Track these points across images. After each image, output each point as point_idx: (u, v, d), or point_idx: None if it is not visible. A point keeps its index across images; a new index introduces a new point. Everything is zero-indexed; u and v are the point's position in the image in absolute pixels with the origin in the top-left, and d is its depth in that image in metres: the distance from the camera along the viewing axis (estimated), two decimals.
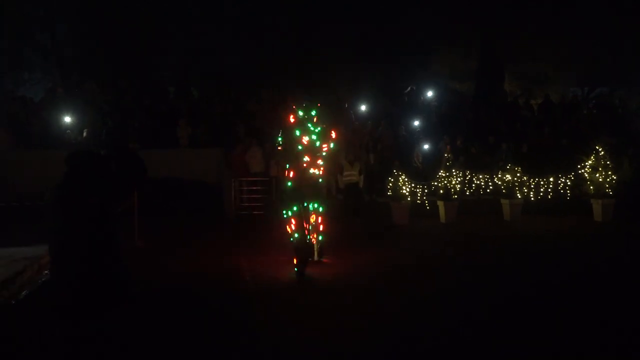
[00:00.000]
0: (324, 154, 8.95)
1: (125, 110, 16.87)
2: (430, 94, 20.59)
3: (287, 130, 9.01)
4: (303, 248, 8.19)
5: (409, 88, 21.38)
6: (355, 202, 13.92)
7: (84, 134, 15.65)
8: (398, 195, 13.53)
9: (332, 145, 9.10)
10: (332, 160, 14.57)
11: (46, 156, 13.62)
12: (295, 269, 7.99)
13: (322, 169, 8.95)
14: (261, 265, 8.76)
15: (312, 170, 8.79)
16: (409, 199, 13.64)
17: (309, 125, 8.83)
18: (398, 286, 7.56)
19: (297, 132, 8.78)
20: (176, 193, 14.06)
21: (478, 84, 22.34)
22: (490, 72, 21.87)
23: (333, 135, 9.15)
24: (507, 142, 15.97)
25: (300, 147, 8.79)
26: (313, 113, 8.87)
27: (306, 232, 8.60)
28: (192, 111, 17.14)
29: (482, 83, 21.87)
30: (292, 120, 8.85)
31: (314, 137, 8.81)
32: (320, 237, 8.91)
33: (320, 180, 8.97)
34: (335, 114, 17.55)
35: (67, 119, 16.12)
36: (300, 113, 8.82)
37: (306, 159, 8.76)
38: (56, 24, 21.99)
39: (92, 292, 4.46)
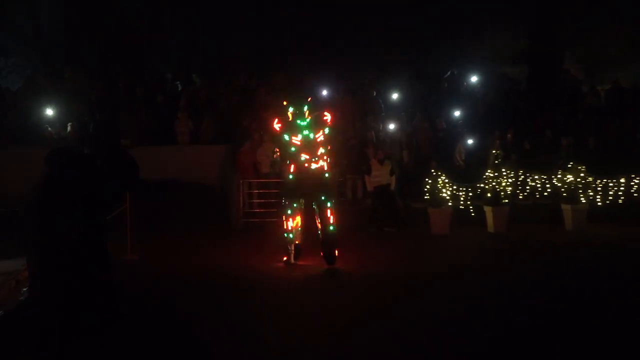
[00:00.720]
0: (321, 148, 10.11)
1: (116, 101, 17.05)
2: (474, 79, 20.43)
3: (277, 136, 10.57)
4: (295, 248, 10.13)
5: (449, 72, 21.24)
6: (387, 208, 13.87)
7: (68, 128, 15.86)
8: (437, 200, 13.44)
9: (327, 130, 10.29)
10: (356, 157, 14.61)
11: (24, 155, 13.80)
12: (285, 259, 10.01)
13: (326, 162, 10.19)
14: (269, 281, 8.80)
15: (314, 166, 10.05)
16: (450, 203, 13.54)
17: (299, 121, 10.06)
18: (414, 304, 7.55)
19: (286, 137, 10.16)
20: (174, 197, 14.12)
21: (532, 67, 22.09)
22: (547, 52, 21.62)
23: (328, 118, 10.28)
24: (568, 136, 15.76)
25: (293, 149, 10.09)
26: (305, 108, 10.15)
27: (318, 227, 10.00)
28: (194, 102, 17.26)
29: (538, 66, 21.62)
30: (278, 126, 10.29)
31: (305, 132, 10.02)
32: (331, 228, 9.93)
33: (326, 175, 10.19)
34: (361, 103, 17.56)
35: (49, 112, 16.35)
36: (291, 109, 10.16)
37: (304, 157, 10.03)
38: (38, 3, 22.35)
39: (77, 309, 4.49)
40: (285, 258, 10.15)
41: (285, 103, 10.47)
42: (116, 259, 7.02)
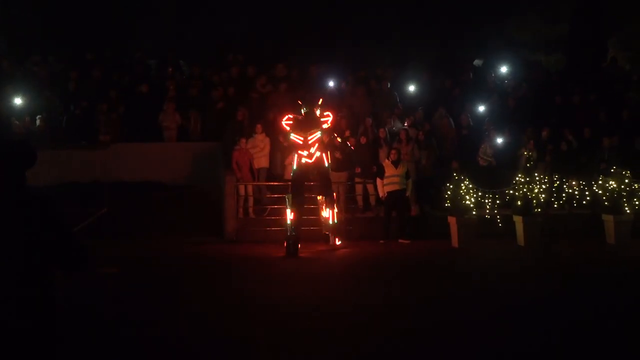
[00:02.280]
0: (318, 145, 12.78)
1: (93, 91, 17.09)
2: (504, 69, 20.49)
3: (285, 133, 13.55)
4: (293, 238, 12.40)
5: (476, 61, 21.29)
6: (401, 217, 13.93)
7: (38, 122, 15.93)
8: (459, 208, 13.50)
9: (325, 129, 13.20)
10: (366, 158, 14.70)
11: None
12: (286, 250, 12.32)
13: (314, 156, 12.73)
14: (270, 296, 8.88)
15: (304, 159, 12.71)
16: (474, 212, 13.60)
17: (309, 120, 12.84)
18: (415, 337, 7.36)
19: (292, 134, 12.95)
20: (159, 202, 14.19)
21: (571, 55, 22.10)
22: (588, 39, 21.63)
23: (329, 119, 13.16)
24: (611, 136, 15.78)
25: (301, 142, 12.72)
26: (317, 112, 12.98)
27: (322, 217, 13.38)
28: (182, 93, 17.30)
29: (577, 53, 21.63)
30: (288, 123, 13.00)
31: (309, 130, 12.67)
32: (333, 221, 13.05)
33: (325, 168, 13.05)
34: (373, 96, 17.63)
35: (17, 101, 16.39)
36: (304, 110, 12.96)
37: (305, 153, 12.74)
38: None
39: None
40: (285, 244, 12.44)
41: (300, 102, 13.36)
42: (91, 272, 7.06)
